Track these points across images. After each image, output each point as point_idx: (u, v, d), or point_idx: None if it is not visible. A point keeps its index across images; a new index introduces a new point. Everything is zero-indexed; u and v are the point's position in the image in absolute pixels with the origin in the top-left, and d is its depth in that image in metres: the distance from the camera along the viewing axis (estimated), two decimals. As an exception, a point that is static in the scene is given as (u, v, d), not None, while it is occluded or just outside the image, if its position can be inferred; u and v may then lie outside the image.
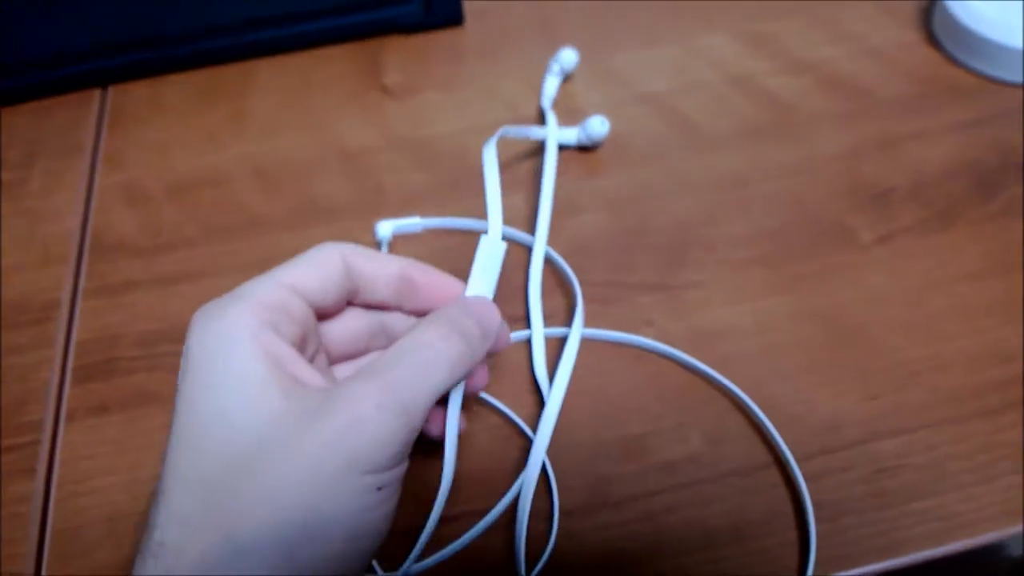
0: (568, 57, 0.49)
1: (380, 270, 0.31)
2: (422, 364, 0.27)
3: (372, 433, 0.25)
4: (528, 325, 0.39)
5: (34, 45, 0.49)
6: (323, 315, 0.31)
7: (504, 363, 0.38)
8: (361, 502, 0.25)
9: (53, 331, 0.40)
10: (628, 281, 0.40)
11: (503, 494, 0.33)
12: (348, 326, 0.32)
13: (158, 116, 0.50)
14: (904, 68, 0.50)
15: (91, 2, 0.48)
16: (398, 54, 0.53)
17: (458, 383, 0.29)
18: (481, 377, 0.31)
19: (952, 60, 0.50)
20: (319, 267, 0.29)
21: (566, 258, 0.41)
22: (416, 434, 0.26)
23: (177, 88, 0.52)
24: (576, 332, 0.36)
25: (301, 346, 0.28)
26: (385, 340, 0.33)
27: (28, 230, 0.45)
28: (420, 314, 0.31)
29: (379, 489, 0.25)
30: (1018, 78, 0.48)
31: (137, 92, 0.52)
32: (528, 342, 0.38)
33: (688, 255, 0.41)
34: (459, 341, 0.28)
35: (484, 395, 0.37)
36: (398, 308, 0.32)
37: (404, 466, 0.27)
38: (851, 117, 0.47)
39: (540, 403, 0.36)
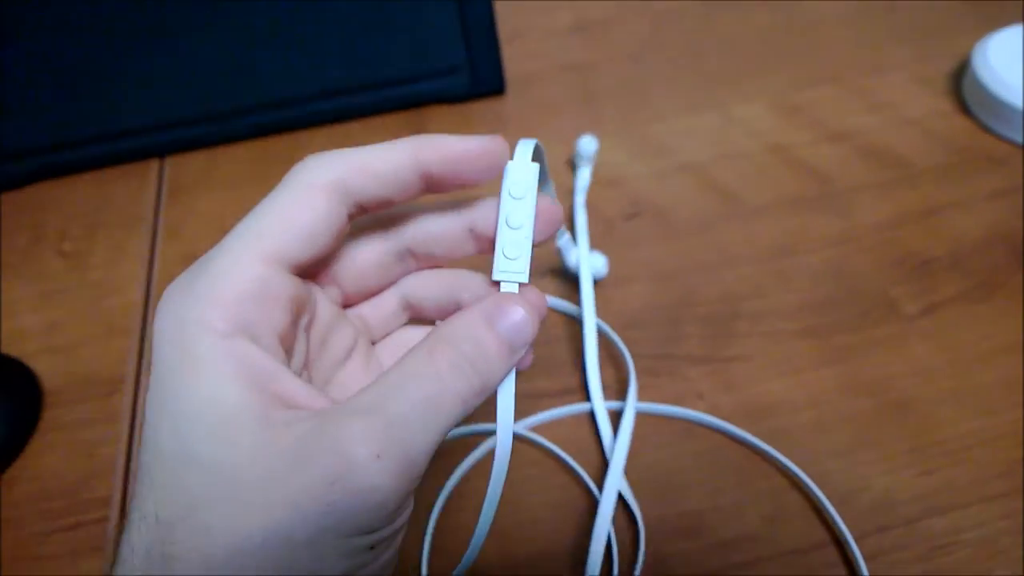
0: (587, 145, 0.49)
1: (387, 180, 0.25)
2: (429, 400, 0.22)
3: (366, 490, 0.21)
4: (587, 398, 0.40)
5: (95, 120, 0.50)
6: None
7: (562, 438, 0.39)
8: (350, 563, 0.21)
9: (119, 405, 0.41)
10: (677, 353, 0.41)
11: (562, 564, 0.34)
12: (363, 259, 0.28)
13: (215, 186, 0.52)
14: (938, 137, 0.51)
15: (151, 80, 0.49)
16: (444, 122, 0.54)
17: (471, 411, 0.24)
18: (524, 361, 0.26)
19: (985, 128, 0.51)
20: (301, 215, 0.24)
21: (615, 330, 0.42)
22: (418, 483, 0.23)
23: (232, 158, 0.53)
24: (631, 408, 0.37)
25: (290, 334, 0.24)
26: (415, 263, 0.29)
27: (93, 302, 0.46)
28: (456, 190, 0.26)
29: (372, 548, 0.22)
30: (1051, 147, 0.49)
31: (193, 163, 0.53)
32: (591, 415, 0.39)
33: (735, 327, 0.42)
34: (473, 372, 0.23)
35: (554, 448, 0.38)
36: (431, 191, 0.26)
37: (406, 514, 0.23)
38: (889, 186, 0.48)
39: (602, 474, 0.37)
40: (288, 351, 0.24)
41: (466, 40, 0.52)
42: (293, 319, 0.24)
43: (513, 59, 0.57)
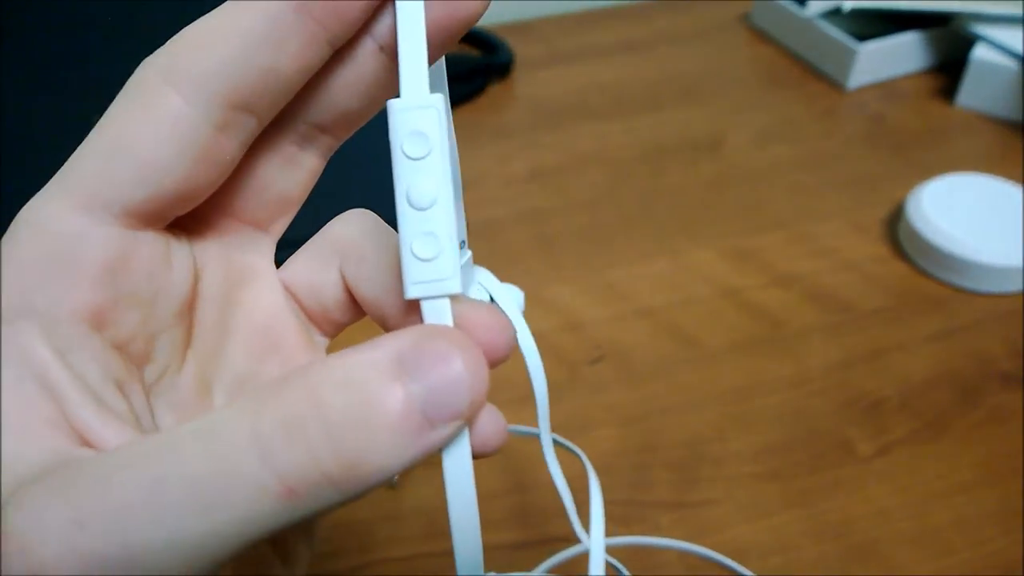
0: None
1: (272, 41, 0.16)
2: (199, 480, 0.14)
3: None
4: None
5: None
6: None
7: None
8: None
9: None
10: (645, 500, 0.42)
11: None
12: (253, 162, 0.19)
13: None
14: (878, 281, 0.54)
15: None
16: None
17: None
18: (491, 426, 0.17)
19: (921, 272, 0.54)
20: (137, 134, 0.16)
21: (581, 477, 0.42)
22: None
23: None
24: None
25: (123, 317, 0.17)
26: (330, 139, 0.20)
27: None
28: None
29: None
30: (984, 288, 0.52)
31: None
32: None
33: (701, 471, 0.43)
34: (326, 445, 0.14)
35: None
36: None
37: None
38: (836, 329, 0.51)
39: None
40: (134, 350, 0.18)
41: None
42: (115, 295, 0.17)
43: (472, 206, 0.59)
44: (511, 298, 0.30)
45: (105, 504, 0.14)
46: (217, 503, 0.14)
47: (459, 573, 0.17)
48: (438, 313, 0.17)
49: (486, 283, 0.32)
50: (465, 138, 0.64)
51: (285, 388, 0.15)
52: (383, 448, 0.14)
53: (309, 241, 0.21)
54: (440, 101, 0.16)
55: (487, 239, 0.58)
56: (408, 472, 0.20)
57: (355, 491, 0.14)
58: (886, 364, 0.49)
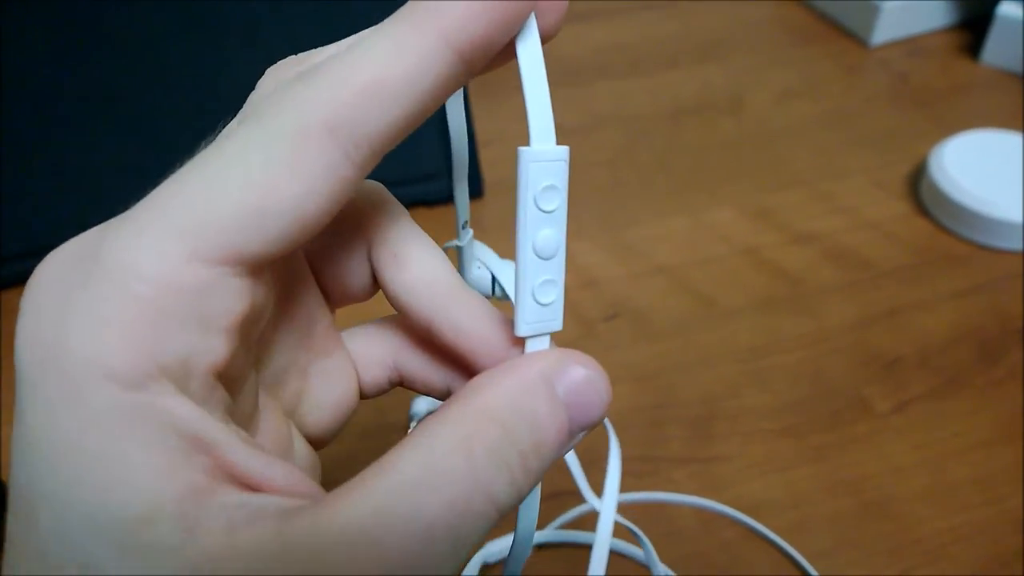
0: None
1: (421, 91, 0.15)
2: (452, 515, 0.15)
3: None
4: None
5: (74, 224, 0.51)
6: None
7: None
8: None
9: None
10: (660, 455, 0.42)
11: None
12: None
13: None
14: (899, 238, 0.53)
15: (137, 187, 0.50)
16: (424, 224, 0.56)
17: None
18: None
19: (943, 229, 0.54)
20: (284, 185, 0.14)
21: (596, 434, 0.42)
22: None
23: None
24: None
25: (236, 364, 0.16)
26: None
27: None
28: None
29: None
30: (1006, 245, 0.52)
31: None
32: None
33: (716, 428, 0.43)
34: (522, 468, 0.16)
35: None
36: None
37: None
38: (855, 287, 0.50)
39: None
40: (233, 384, 0.17)
41: (446, 148, 0.54)
42: (242, 343, 0.16)
43: (490, 163, 0.59)
44: (511, 273, 0.30)
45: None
46: (464, 539, 0.15)
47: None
48: (540, 347, 0.18)
49: (486, 260, 0.32)
50: (483, 97, 0.64)
51: (480, 420, 0.16)
52: (548, 462, 0.17)
53: None
54: (567, 153, 0.17)
55: (505, 198, 0.58)
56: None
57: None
58: (905, 322, 0.48)
